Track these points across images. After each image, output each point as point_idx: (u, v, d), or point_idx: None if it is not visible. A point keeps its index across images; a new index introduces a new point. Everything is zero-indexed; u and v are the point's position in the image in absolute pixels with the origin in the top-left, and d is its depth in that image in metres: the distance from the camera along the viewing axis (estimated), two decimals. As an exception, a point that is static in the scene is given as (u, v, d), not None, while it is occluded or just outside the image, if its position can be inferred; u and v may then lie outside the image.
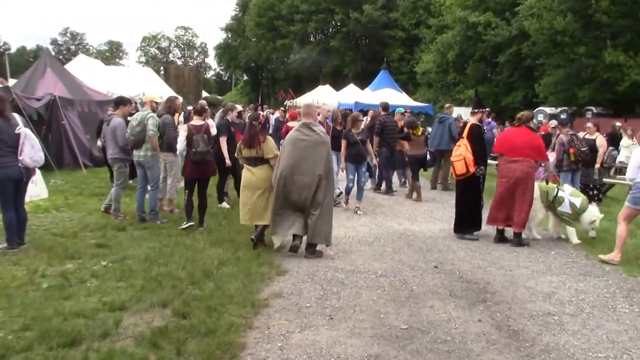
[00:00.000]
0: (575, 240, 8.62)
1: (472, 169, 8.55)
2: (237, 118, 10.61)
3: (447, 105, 14.66)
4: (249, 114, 9.14)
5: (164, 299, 5.47)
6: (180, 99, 12.21)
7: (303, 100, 35.48)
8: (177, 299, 5.51)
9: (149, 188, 9.18)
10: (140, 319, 5.07)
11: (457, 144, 8.94)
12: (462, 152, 8.63)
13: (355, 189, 10.93)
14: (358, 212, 10.54)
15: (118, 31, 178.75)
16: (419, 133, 12.73)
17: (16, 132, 6.92)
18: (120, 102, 9.67)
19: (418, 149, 12.64)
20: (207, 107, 9.64)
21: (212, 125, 10.01)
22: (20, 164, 6.94)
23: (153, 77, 28.02)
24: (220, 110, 11.37)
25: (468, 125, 8.83)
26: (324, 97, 32.74)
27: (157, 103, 9.95)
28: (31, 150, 6.99)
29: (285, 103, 38.15)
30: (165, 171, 10.00)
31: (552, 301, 5.96)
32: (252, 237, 7.66)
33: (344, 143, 10.72)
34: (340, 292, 6.02)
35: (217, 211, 10.00)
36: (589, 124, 12.27)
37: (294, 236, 7.51)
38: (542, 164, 9.19)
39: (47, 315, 4.97)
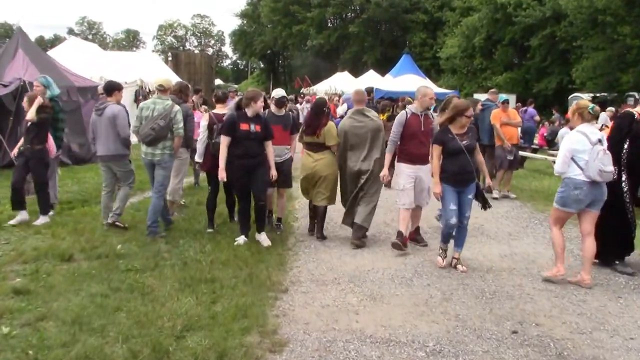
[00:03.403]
0: None
1: None
2: (279, 108, 7.64)
3: (491, 90, 12.08)
4: (315, 100, 8.31)
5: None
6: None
7: (320, 87, 33.63)
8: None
9: (155, 193, 7.49)
10: None
11: None
12: None
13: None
14: (459, 267, 6.37)
15: (135, 20, 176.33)
16: (383, 117, 11.29)
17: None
18: (115, 87, 7.88)
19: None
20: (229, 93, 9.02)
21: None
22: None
23: (156, 64, 25.82)
24: (235, 99, 8.87)
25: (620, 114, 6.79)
26: (342, 85, 30.56)
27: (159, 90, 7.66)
28: None
29: (301, 91, 36.07)
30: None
31: None
32: (317, 235, 7.71)
33: (437, 151, 6.43)
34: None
35: (202, 229, 7.70)
36: None
37: (354, 225, 7.43)
38: None
39: None
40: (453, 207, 6.27)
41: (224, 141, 6.88)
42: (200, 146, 7.79)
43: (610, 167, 5.72)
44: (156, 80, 7.92)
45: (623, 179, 6.42)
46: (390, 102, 15.26)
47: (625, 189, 6.44)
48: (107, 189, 7.83)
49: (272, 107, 7.65)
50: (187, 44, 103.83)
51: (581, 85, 29.95)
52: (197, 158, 7.90)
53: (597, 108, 6.03)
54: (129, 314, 4.71)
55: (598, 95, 28.68)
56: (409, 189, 7.05)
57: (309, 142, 7.58)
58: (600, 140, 5.80)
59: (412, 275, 6.07)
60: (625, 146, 6.43)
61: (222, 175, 6.88)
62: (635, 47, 25.93)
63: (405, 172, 7.11)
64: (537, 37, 33.55)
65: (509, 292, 5.62)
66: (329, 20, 60.79)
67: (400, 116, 7.16)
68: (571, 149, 5.82)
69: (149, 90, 19.41)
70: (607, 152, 5.76)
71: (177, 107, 7.43)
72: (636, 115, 6.47)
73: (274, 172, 7.15)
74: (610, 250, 6.44)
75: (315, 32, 57.30)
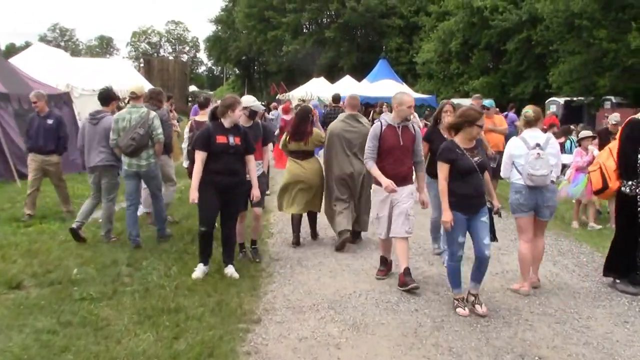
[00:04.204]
0: None
1: (612, 184, 6.02)
2: (250, 119, 6.72)
3: (476, 95, 11.59)
4: (299, 107, 8.30)
5: None
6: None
7: (296, 93, 33.06)
8: None
9: (153, 199, 7.65)
10: None
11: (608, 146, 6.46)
12: (602, 159, 6.26)
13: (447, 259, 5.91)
14: (479, 309, 5.21)
15: (109, 26, 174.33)
16: None
17: None
18: (112, 96, 7.92)
19: None
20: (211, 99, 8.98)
21: None
22: None
23: (128, 71, 25.03)
24: (210, 107, 7.95)
25: (626, 122, 6.20)
26: (319, 90, 30.05)
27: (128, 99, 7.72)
28: None
29: (277, 97, 35.48)
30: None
31: None
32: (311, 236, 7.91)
33: (444, 171, 5.16)
34: None
35: (168, 249, 7.10)
36: None
37: (342, 232, 7.28)
38: None
39: None
40: (462, 239, 5.17)
41: (198, 157, 5.90)
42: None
43: (543, 171, 5.50)
44: (129, 88, 7.66)
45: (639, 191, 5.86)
46: (367, 108, 14.90)
47: None
48: (94, 197, 7.66)
49: (241, 118, 6.46)
50: (161, 51, 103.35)
51: (558, 89, 29.79)
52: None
53: (530, 113, 5.83)
54: (77, 356, 4.11)
55: (575, 99, 28.62)
56: (384, 218, 5.96)
57: (295, 149, 7.56)
58: (538, 145, 5.60)
59: (397, 300, 5.53)
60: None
61: (193, 195, 5.84)
62: (611, 50, 25.77)
63: (378, 196, 6.00)
64: (513, 41, 33.38)
65: (506, 318, 5.11)
66: (305, 26, 60.12)
67: (374, 128, 6.05)
68: (510, 154, 5.86)
69: (119, 97, 18.77)
70: (542, 156, 5.52)
71: (153, 114, 7.29)
72: None
73: (256, 193, 6.23)
74: (611, 265, 6.00)
75: (291, 38, 56.63)
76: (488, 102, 10.45)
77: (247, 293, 5.60)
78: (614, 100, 26.14)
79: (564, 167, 8.59)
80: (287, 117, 13.61)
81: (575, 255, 7.21)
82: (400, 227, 5.82)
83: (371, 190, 6.45)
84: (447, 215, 5.04)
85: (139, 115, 7.12)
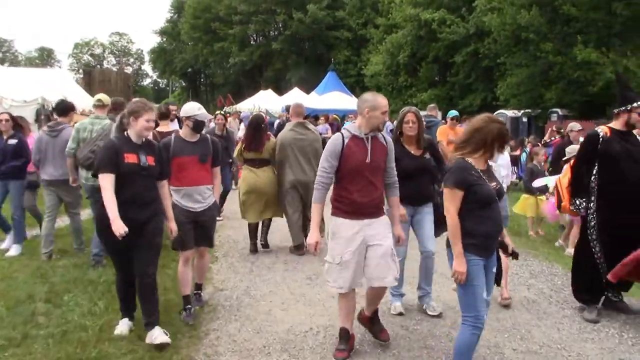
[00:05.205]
0: None
1: (565, 202, 5.70)
2: (195, 132, 5.31)
3: (431, 105, 11.03)
4: (252, 116, 8.12)
5: None
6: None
7: (243, 106, 32.28)
8: None
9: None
10: None
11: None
12: (561, 176, 5.99)
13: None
14: None
15: (49, 38, 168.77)
16: None
17: None
18: (70, 107, 7.62)
19: None
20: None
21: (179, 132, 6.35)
22: None
23: (64, 81, 23.81)
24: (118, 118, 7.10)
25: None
26: (267, 103, 29.41)
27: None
28: None
29: (224, 109, 34.59)
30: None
31: None
32: (261, 242, 7.94)
33: (457, 200, 3.84)
34: None
35: (96, 279, 6.19)
36: None
37: (298, 246, 7.59)
38: None
39: None
40: (487, 296, 3.89)
41: (106, 182, 4.37)
42: None
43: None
44: (96, 97, 7.37)
45: (590, 211, 5.42)
46: (314, 120, 14.56)
47: (592, 223, 5.42)
48: (51, 216, 7.26)
49: (184, 130, 5.31)
50: (105, 63, 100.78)
51: (505, 102, 29.99)
52: None
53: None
54: None
55: (522, 111, 28.78)
56: (347, 262, 4.30)
57: (251, 158, 7.60)
58: None
59: (361, 336, 4.80)
60: (595, 171, 5.43)
61: (117, 226, 4.23)
62: (557, 63, 26.01)
63: (342, 232, 4.36)
64: (461, 54, 33.55)
65: (487, 358, 4.45)
66: (252, 37, 59.65)
67: (334, 142, 4.40)
68: None
69: (53, 109, 17.65)
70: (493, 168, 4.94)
71: (115, 123, 6.39)
72: (602, 134, 5.48)
73: (173, 226, 4.89)
74: (576, 289, 5.60)
75: (238, 50, 56.00)
76: (454, 113, 9.91)
77: (186, 334, 4.80)
78: (560, 113, 26.34)
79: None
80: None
81: (549, 278, 6.66)
82: (385, 272, 4.32)
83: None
84: (461, 265, 3.72)
85: (102, 127, 6.63)
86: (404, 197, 4.79)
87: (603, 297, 5.47)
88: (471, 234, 3.76)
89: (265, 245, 7.95)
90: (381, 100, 4.39)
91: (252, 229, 7.79)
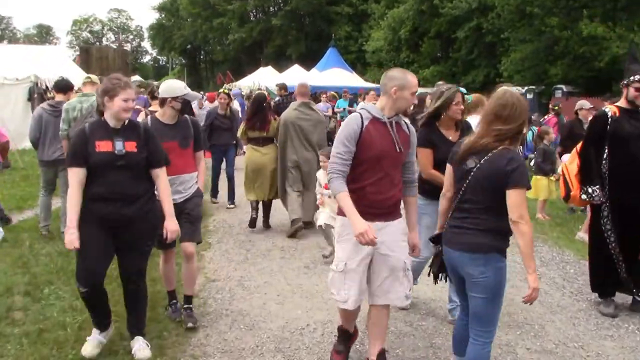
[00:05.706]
0: None
1: (574, 191, 5.20)
2: (179, 113, 4.63)
3: (439, 82, 10.44)
4: (255, 94, 8.21)
5: None
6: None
7: (243, 82, 31.76)
8: None
9: None
10: None
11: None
12: (567, 162, 5.48)
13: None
14: None
15: (48, 15, 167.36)
16: None
17: None
18: (68, 86, 7.45)
19: None
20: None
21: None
22: None
23: (60, 59, 23.26)
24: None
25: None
26: (267, 80, 28.88)
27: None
28: None
29: (224, 86, 34.07)
30: None
31: None
32: (263, 225, 7.89)
33: (524, 197, 3.13)
34: None
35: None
36: None
37: (294, 220, 7.37)
38: None
39: None
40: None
41: (73, 178, 3.78)
42: None
43: None
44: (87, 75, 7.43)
45: (604, 199, 5.01)
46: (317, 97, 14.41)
47: (605, 213, 5.03)
48: (47, 191, 7.21)
49: (166, 112, 4.56)
50: (104, 40, 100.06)
51: (509, 78, 29.44)
52: None
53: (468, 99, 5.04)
54: None
55: (526, 87, 28.27)
56: (352, 271, 3.67)
57: (255, 137, 7.60)
58: None
59: (363, 334, 4.44)
60: (605, 155, 5.02)
61: (71, 239, 3.67)
62: (563, 39, 25.47)
63: (350, 235, 3.57)
64: (463, 30, 32.89)
65: (498, 359, 4.09)
66: (251, 13, 58.78)
67: (351, 123, 3.65)
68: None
69: (47, 87, 17.19)
70: None
71: None
72: (610, 113, 5.05)
73: (172, 227, 4.08)
74: (593, 282, 5.24)
75: (237, 26, 55.17)
76: (462, 90, 9.45)
77: (172, 331, 4.44)
78: (564, 89, 25.85)
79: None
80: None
81: (560, 266, 6.30)
82: (397, 290, 3.72)
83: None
84: (536, 280, 3.14)
85: (90, 104, 6.50)
86: (436, 192, 3.95)
87: (632, 298, 5.14)
88: (506, 236, 3.21)
89: (267, 225, 7.94)
90: (412, 79, 3.65)
91: (254, 204, 7.84)
